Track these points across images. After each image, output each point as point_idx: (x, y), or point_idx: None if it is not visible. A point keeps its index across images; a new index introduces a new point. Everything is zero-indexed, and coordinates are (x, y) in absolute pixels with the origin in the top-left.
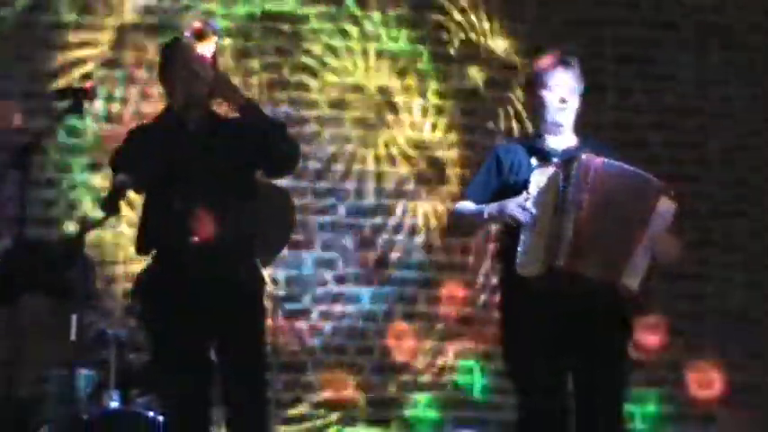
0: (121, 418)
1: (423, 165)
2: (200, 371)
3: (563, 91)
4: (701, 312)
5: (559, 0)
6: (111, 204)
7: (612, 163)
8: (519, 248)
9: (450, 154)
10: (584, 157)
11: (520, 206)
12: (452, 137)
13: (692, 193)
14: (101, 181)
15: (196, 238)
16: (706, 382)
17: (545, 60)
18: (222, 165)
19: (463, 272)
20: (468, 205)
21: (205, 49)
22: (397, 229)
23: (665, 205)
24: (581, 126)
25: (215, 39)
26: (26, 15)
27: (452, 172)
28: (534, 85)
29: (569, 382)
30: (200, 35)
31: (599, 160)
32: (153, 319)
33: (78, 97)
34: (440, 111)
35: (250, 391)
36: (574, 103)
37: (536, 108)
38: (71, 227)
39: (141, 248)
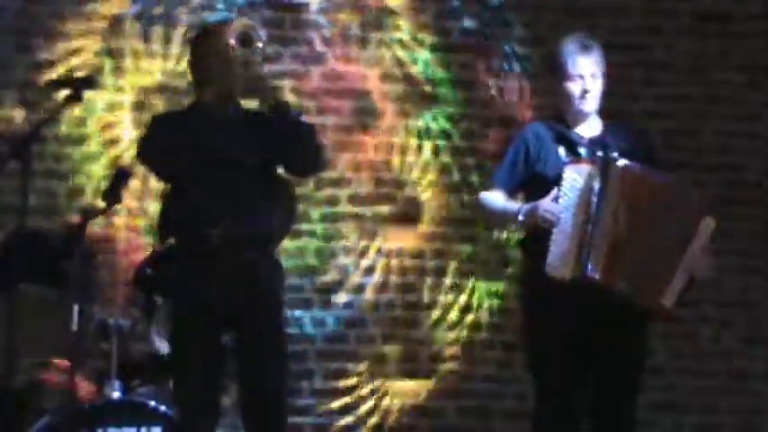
0: (123, 407)
1: (424, 155)
2: (216, 359)
3: (585, 78)
4: (699, 299)
5: None
6: (112, 193)
7: (652, 172)
8: (551, 249)
9: (451, 144)
10: (620, 164)
11: (553, 207)
12: (454, 127)
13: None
14: (102, 170)
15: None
16: (704, 369)
17: (566, 46)
18: (247, 159)
19: (463, 260)
20: (497, 197)
21: (248, 53)
22: (398, 218)
23: (707, 224)
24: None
25: (259, 44)
26: (25, 5)
27: (454, 162)
28: (556, 73)
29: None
30: (245, 41)
31: (638, 169)
32: (172, 308)
33: (78, 86)
34: (439, 99)
35: (270, 382)
36: (597, 90)
37: (559, 97)
38: (72, 217)
39: (162, 237)
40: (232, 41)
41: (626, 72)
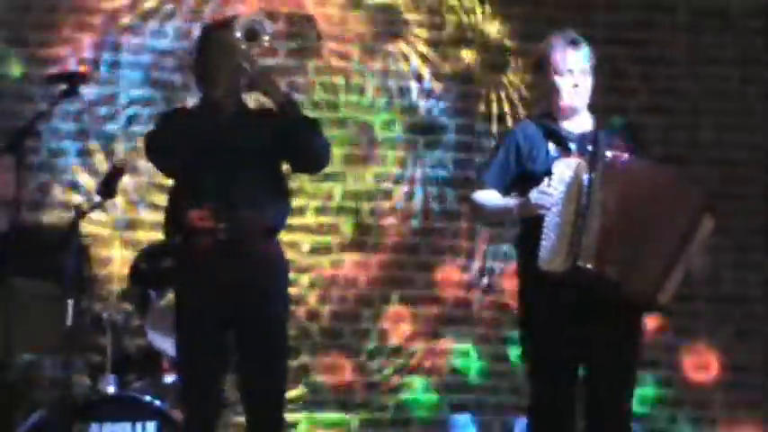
0: (118, 402)
1: (420, 149)
2: (220, 355)
3: (575, 74)
4: (694, 294)
5: None
6: (107, 188)
7: (644, 163)
8: (542, 242)
9: (447, 138)
10: (609, 154)
11: (544, 198)
12: (449, 121)
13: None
14: (96, 165)
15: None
16: (700, 364)
17: (554, 42)
18: (253, 156)
19: (459, 255)
20: (491, 195)
21: (254, 47)
22: (394, 212)
23: (708, 224)
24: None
25: (265, 39)
26: None
27: (449, 156)
28: (545, 68)
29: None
30: (251, 35)
31: (626, 159)
32: (177, 306)
33: (73, 81)
34: (436, 94)
35: (270, 377)
36: (586, 84)
37: (549, 92)
38: (66, 211)
39: (170, 233)
40: (238, 35)
41: (622, 67)
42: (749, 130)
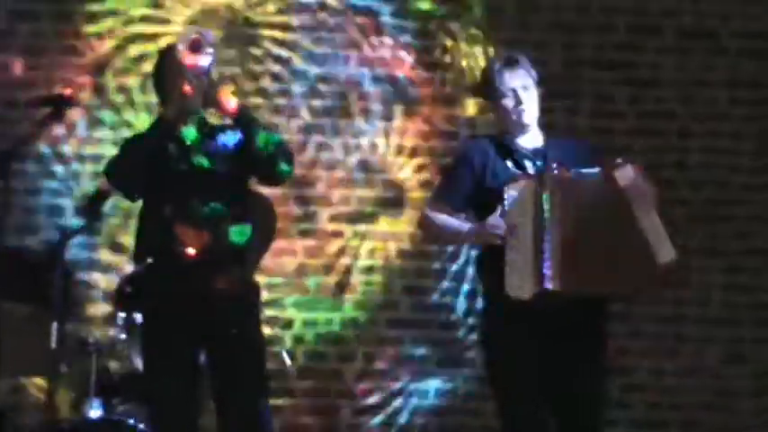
0: (102, 426)
1: (405, 171)
2: (191, 380)
3: (517, 92)
4: (682, 316)
5: (539, 5)
6: (91, 211)
7: (579, 172)
8: (506, 270)
9: (432, 161)
10: (553, 172)
11: (499, 225)
12: (433, 144)
13: (672, 198)
14: (81, 188)
15: (191, 251)
16: (686, 386)
17: (491, 65)
18: (216, 173)
19: (445, 278)
20: (446, 215)
21: (200, 59)
22: (380, 236)
23: (624, 174)
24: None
25: (210, 50)
26: (6, 23)
27: (435, 179)
28: (487, 92)
29: (551, 393)
30: (195, 47)
31: (567, 174)
32: (146, 327)
33: (59, 104)
34: (419, 118)
35: (250, 402)
36: (531, 100)
37: (496, 113)
38: (52, 234)
39: (138, 257)
40: (181, 48)
41: (610, 89)
42: (737, 152)
